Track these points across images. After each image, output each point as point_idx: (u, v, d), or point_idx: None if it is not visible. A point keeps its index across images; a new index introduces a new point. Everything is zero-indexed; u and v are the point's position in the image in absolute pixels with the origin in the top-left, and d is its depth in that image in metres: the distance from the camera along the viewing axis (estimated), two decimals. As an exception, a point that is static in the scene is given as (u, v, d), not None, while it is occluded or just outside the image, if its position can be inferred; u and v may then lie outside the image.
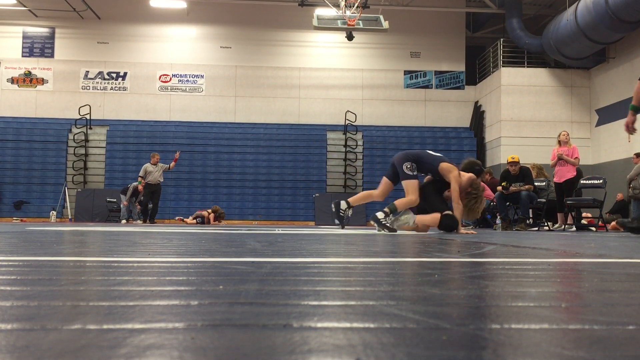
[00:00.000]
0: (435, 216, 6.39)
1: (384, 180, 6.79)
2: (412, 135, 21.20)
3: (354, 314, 0.79)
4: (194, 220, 17.12)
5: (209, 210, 17.00)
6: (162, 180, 15.49)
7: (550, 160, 10.98)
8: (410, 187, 6.44)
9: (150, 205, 15.75)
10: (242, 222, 18.44)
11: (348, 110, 21.09)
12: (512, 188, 10.73)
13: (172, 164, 15.41)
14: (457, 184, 6.40)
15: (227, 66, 21.73)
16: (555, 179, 10.59)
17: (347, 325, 0.71)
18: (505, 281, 1.28)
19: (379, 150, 20.97)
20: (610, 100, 17.60)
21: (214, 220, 16.94)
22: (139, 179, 15.20)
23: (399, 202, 6.41)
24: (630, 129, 5.68)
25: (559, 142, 10.81)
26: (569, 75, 19.08)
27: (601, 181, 11.16)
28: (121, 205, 16.89)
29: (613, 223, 13.34)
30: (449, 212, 6.41)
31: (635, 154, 13.92)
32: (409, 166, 6.48)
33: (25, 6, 20.79)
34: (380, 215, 6.31)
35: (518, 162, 10.91)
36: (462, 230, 6.41)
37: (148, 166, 15.29)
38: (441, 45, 22.03)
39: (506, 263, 1.87)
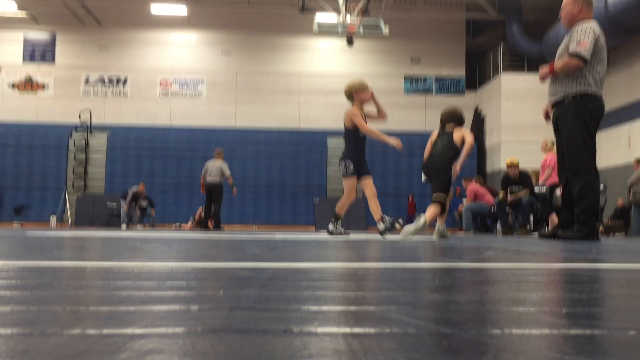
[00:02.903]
0: (434, 211, 6.08)
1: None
2: (413, 141, 21.20)
3: (354, 319, 0.79)
4: (191, 224, 17.12)
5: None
6: (217, 180, 13.29)
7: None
8: (345, 186, 6.61)
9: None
10: (242, 227, 18.44)
11: (348, 116, 21.08)
12: (510, 198, 10.72)
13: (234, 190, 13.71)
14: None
15: (228, 71, 21.77)
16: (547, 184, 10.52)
17: (348, 330, 0.71)
18: (506, 286, 1.28)
19: (380, 155, 20.97)
20: (611, 106, 17.60)
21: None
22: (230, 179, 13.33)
23: (338, 208, 6.68)
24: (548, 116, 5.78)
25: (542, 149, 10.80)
26: (569, 80, 19.11)
27: (601, 187, 11.14)
28: (121, 210, 16.89)
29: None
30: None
31: (635, 160, 13.91)
32: (344, 164, 6.55)
33: (26, 11, 20.85)
34: (330, 227, 6.61)
35: (517, 165, 10.89)
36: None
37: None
38: (441, 50, 22.07)
39: (507, 268, 1.87)
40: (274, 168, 20.51)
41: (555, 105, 5.46)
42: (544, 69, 5.42)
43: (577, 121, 5.20)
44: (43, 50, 21.57)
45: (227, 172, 13.39)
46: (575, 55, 5.16)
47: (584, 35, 5.17)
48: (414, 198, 19.65)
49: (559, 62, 5.31)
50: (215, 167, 13.27)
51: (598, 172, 5.32)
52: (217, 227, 13.25)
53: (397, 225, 6.30)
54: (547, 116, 5.77)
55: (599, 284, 1.37)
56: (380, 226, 6.16)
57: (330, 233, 6.62)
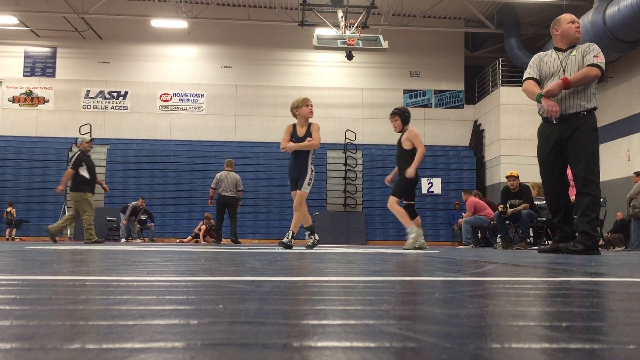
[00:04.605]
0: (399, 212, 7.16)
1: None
2: (412, 154, 21.23)
3: (354, 333, 0.79)
4: (193, 239, 17.06)
5: (202, 222, 16.92)
6: (234, 193, 12.91)
7: None
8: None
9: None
10: (242, 241, 18.39)
11: (348, 129, 21.16)
12: (510, 211, 10.72)
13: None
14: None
15: (228, 85, 21.83)
16: None
17: (347, 344, 0.71)
18: (506, 300, 1.27)
19: (379, 169, 20.97)
20: (609, 119, 17.66)
21: (206, 232, 16.59)
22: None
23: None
24: (555, 111, 5.40)
25: None
26: (567, 94, 19.15)
27: (601, 200, 11.13)
28: (120, 224, 16.86)
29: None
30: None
31: (634, 173, 13.93)
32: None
33: (27, 26, 20.95)
34: (309, 241, 7.48)
35: (517, 177, 10.88)
36: None
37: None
38: (440, 64, 22.16)
39: (507, 282, 1.86)
40: (274, 182, 20.50)
41: (566, 119, 5.30)
42: (555, 86, 5.19)
43: (595, 135, 5.28)
44: (43, 65, 21.65)
45: (241, 186, 13.02)
46: (596, 66, 5.20)
47: (599, 52, 5.30)
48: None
49: (577, 74, 5.21)
50: (230, 180, 12.76)
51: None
52: (236, 241, 12.75)
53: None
54: (548, 118, 5.46)
55: (598, 298, 1.37)
56: (285, 239, 7.18)
57: (312, 245, 7.35)
